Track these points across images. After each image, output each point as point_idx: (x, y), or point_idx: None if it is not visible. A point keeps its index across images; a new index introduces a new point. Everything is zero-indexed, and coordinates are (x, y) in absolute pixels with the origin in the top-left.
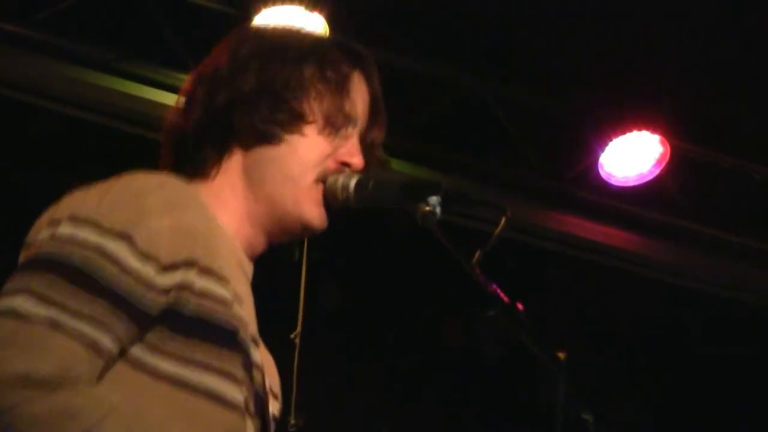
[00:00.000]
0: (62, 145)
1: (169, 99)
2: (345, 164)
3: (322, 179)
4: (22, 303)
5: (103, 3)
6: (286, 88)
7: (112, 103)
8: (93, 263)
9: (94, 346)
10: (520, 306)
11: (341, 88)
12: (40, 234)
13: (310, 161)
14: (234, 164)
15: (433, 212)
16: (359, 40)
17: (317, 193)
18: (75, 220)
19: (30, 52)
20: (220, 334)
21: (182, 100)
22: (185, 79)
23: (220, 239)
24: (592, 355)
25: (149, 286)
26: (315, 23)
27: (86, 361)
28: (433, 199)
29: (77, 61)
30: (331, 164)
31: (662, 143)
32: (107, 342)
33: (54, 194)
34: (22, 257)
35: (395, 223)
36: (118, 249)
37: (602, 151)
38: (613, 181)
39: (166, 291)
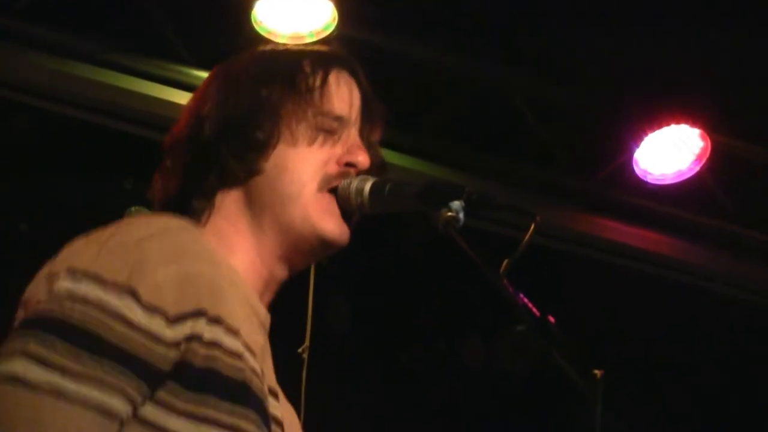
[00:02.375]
0: (44, 144)
1: (162, 92)
2: (349, 164)
3: (329, 187)
4: (22, 368)
5: None
6: (245, 118)
7: (100, 98)
8: (95, 321)
9: (103, 411)
10: (552, 319)
11: (315, 93)
12: (38, 290)
13: (305, 174)
14: (229, 202)
15: (455, 218)
16: (372, 28)
17: (327, 202)
18: (73, 273)
19: (9, 43)
20: (231, 388)
21: (159, 171)
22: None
23: (230, 287)
24: (625, 367)
25: (158, 340)
26: (323, 10)
27: (99, 427)
28: (456, 204)
29: (61, 52)
30: (332, 169)
31: (702, 138)
32: (118, 404)
33: (34, 198)
34: (20, 316)
35: (412, 229)
36: (122, 304)
37: (637, 146)
38: (649, 179)
39: (176, 344)
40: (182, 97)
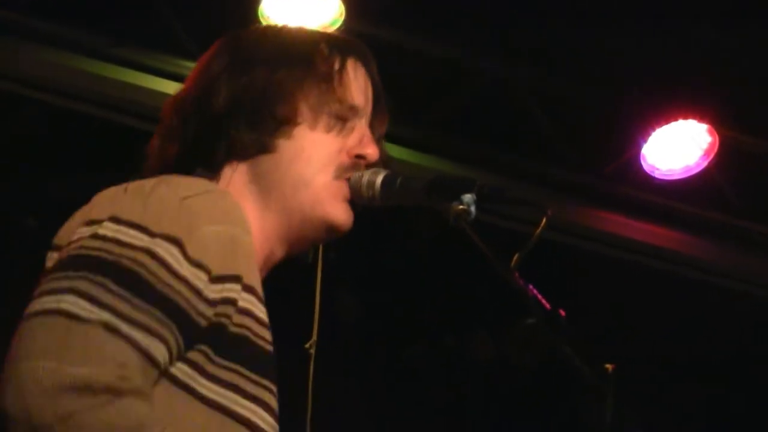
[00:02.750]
0: (51, 138)
1: (170, 88)
2: (360, 156)
3: (343, 177)
4: (72, 304)
5: None
6: (265, 92)
7: (107, 93)
8: (144, 267)
9: (148, 356)
10: (562, 313)
11: (335, 79)
12: (77, 234)
13: (318, 160)
14: (236, 177)
15: (467, 211)
16: (379, 23)
17: (339, 188)
18: (119, 221)
19: (16, 37)
20: (258, 359)
21: (159, 128)
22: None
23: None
24: (633, 362)
25: (200, 296)
26: (331, 4)
27: (142, 370)
28: (467, 197)
29: (67, 46)
30: (344, 159)
31: (711, 133)
32: (160, 353)
33: (40, 192)
34: (56, 257)
35: (420, 222)
36: (170, 254)
37: (644, 142)
38: (657, 175)
39: (214, 303)
40: None
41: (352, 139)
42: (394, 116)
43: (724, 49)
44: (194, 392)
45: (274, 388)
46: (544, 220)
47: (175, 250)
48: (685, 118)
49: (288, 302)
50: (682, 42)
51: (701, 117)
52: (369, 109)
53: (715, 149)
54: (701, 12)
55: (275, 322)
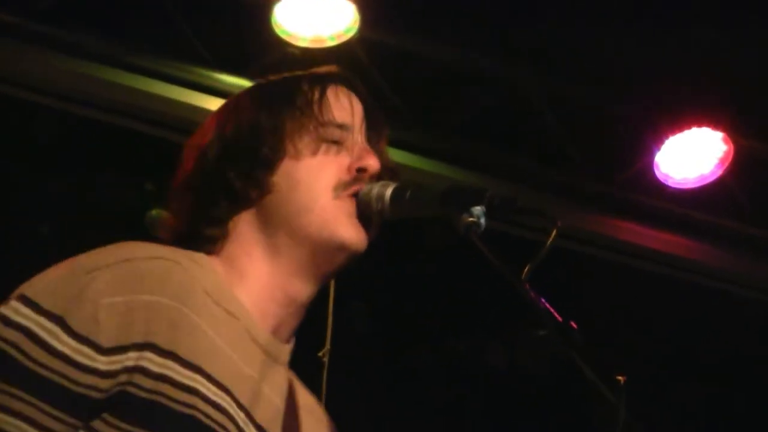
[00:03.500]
0: (67, 146)
1: (184, 95)
2: (361, 169)
3: (348, 193)
4: None
5: None
6: (248, 138)
7: (121, 100)
8: (16, 347)
9: None
10: (574, 325)
11: (314, 107)
12: None
13: (317, 184)
14: (244, 229)
15: (477, 223)
16: (393, 30)
17: (343, 206)
18: (21, 299)
19: (32, 45)
20: (173, 422)
21: (170, 208)
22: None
23: (221, 316)
24: (649, 373)
25: (84, 369)
26: (346, 12)
27: None
28: (477, 209)
29: (83, 54)
30: (344, 176)
31: (725, 141)
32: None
33: (55, 199)
34: None
35: (431, 233)
36: (48, 331)
37: (658, 150)
38: (671, 183)
39: (112, 374)
40: (203, 100)
41: (347, 157)
42: (407, 122)
43: (740, 57)
44: None
45: None
46: (554, 231)
47: (55, 328)
48: (700, 126)
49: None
50: (697, 50)
51: (716, 125)
52: (361, 123)
53: (730, 158)
54: (717, 20)
55: None
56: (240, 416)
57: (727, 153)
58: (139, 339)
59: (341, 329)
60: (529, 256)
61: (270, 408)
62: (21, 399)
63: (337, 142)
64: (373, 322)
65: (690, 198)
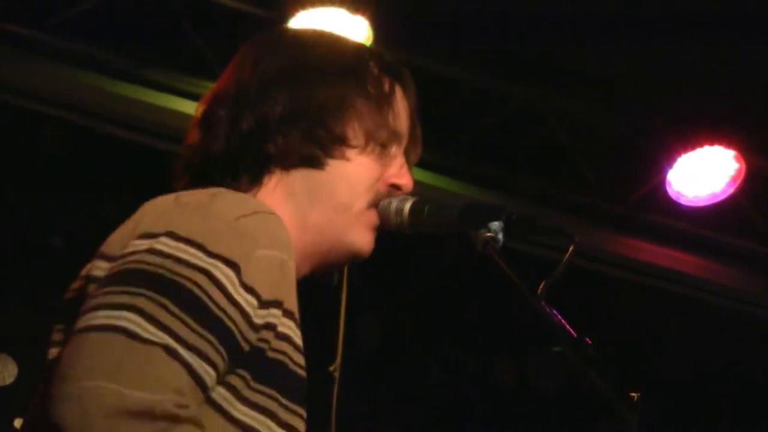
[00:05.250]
0: (78, 159)
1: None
2: (395, 186)
3: (375, 203)
4: (132, 322)
5: (123, 5)
6: (325, 110)
7: (135, 114)
8: (202, 289)
9: (199, 381)
10: (588, 341)
11: (385, 104)
12: (131, 245)
13: (361, 186)
14: (276, 189)
15: (494, 239)
16: (404, 45)
17: (370, 218)
18: (176, 237)
19: (45, 58)
20: (293, 385)
21: (199, 121)
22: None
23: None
24: (660, 392)
25: (249, 321)
26: (358, 27)
27: (194, 396)
28: (495, 225)
29: (96, 68)
30: (381, 187)
31: (737, 159)
32: (210, 378)
33: (68, 213)
34: (106, 267)
35: (445, 248)
36: (226, 277)
37: (670, 168)
38: (683, 201)
39: (258, 329)
40: None
41: (392, 168)
42: (422, 142)
43: (751, 76)
44: (229, 416)
45: (305, 414)
46: (571, 248)
47: (231, 273)
48: (712, 144)
49: (311, 325)
50: (709, 68)
51: (728, 143)
52: (407, 138)
53: (742, 176)
54: (729, 39)
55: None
56: None
57: (738, 171)
58: (275, 295)
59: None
60: (543, 275)
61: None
62: (213, 346)
63: (384, 147)
64: (384, 338)
65: (702, 216)
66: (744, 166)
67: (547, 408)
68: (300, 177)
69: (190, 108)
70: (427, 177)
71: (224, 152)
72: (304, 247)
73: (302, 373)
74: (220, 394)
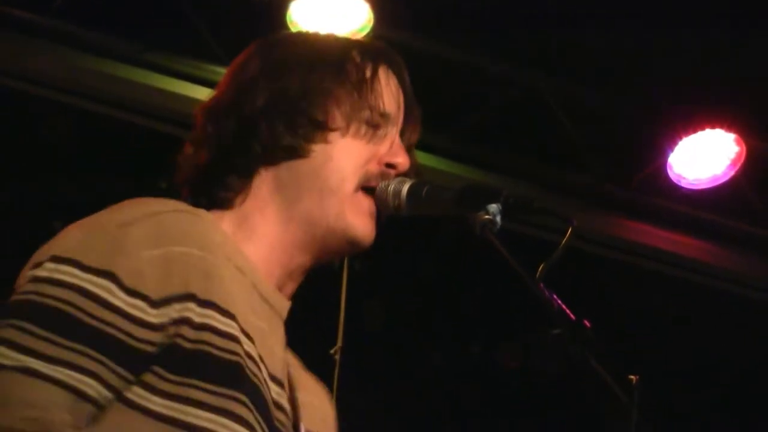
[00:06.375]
0: (80, 142)
1: (200, 93)
2: (390, 165)
3: (367, 186)
4: None
5: None
6: (301, 97)
7: (136, 98)
8: (71, 305)
9: (76, 392)
10: (587, 324)
11: (367, 86)
12: (22, 278)
13: (347, 168)
14: (263, 187)
15: (492, 221)
16: (408, 30)
17: (364, 202)
18: (56, 259)
19: (48, 42)
20: (221, 370)
21: (192, 138)
22: (195, 112)
23: (232, 272)
24: (658, 371)
25: (139, 323)
26: (359, 10)
27: (69, 407)
28: (493, 207)
29: (99, 52)
30: (373, 167)
31: (738, 142)
32: (90, 387)
33: (69, 196)
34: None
35: (445, 231)
36: (102, 287)
37: (671, 151)
38: (684, 184)
39: (162, 327)
40: None
41: (383, 148)
42: (423, 124)
43: (753, 59)
44: (148, 411)
45: (243, 397)
46: (569, 230)
47: (108, 283)
48: (712, 127)
49: (314, 309)
50: (710, 52)
51: (728, 126)
52: (400, 117)
53: (743, 159)
54: (730, 21)
55: (300, 329)
56: (262, 367)
57: (739, 154)
58: (180, 290)
59: (353, 327)
60: (543, 257)
61: (277, 360)
62: (88, 356)
63: (375, 128)
64: (385, 321)
65: (703, 199)
66: (744, 149)
67: (549, 391)
68: (286, 169)
69: (191, 90)
70: (427, 159)
71: (212, 160)
72: (294, 239)
73: (233, 358)
74: (136, 392)
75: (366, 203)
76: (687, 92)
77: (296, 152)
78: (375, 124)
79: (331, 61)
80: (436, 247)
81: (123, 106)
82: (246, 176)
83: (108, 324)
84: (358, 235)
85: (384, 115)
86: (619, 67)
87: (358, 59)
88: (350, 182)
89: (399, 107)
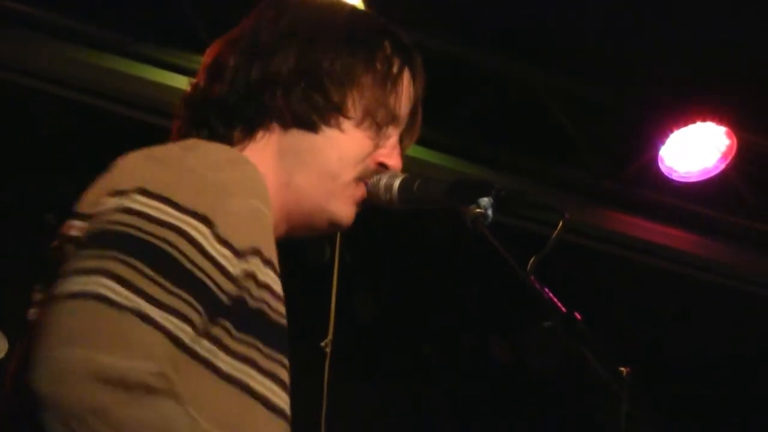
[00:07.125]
0: (70, 134)
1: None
2: (382, 165)
3: (362, 178)
4: (104, 287)
5: None
6: (330, 75)
7: (127, 89)
8: (175, 247)
9: (177, 341)
10: (578, 316)
11: (390, 84)
12: (102, 203)
13: (351, 157)
14: (269, 142)
15: (484, 215)
16: (400, 23)
17: (356, 191)
18: (147, 194)
19: (33, 32)
20: (274, 333)
21: (209, 64)
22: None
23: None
24: (650, 367)
25: (226, 274)
26: (352, 4)
27: (171, 359)
28: (485, 201)
29: (88, 42)
30: (370, 164)
31: (728, 135)
32: (188, 336)
33: (60, 189)
34: (80, 227)
35: (436, 224)
36: (199, 232)
37: (662, 144)
38: (675, 177)
39: (237, 279)
40: None
41: (384, 147)
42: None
43: (744, 52)
44: (214, 367)
45: (287, 362)
46: (561, 224)
47: (204, 228)
48: (704, 120)
49: (304, 301)
50: (701, 45)
51: (719, 120)
52: (405, 122)
53: (733, 152)
54: (721, 15)
55: (291, 322)
56: None
57: (730, 147)
58: (253, 244)
59: (344, 320)
60: (537, 251)
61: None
62: (189, 304)
63: (380, 126)
64: (376, 314)
65: (693, 192)
66: (735, 142)
67: (543, 383)
68: (292, 138)
69: (183, 83)
70: (420, 152)
71: (225, 97)
72: (283, 205)
73: (282, 321)
74: (205, 346)
75: (359, 194)
76: (678, 85)
77: (307, 125)
78: (384, 123)
79: (363, 46)
80: (430, 240)
81: (113, 97)
82: (252, 128)
83: (204, 272)
84: (343, 221)
85: (395, 117)
86: (611, 61)
87: (389, 50)
88: (350, 173)
89: (407, 113)
